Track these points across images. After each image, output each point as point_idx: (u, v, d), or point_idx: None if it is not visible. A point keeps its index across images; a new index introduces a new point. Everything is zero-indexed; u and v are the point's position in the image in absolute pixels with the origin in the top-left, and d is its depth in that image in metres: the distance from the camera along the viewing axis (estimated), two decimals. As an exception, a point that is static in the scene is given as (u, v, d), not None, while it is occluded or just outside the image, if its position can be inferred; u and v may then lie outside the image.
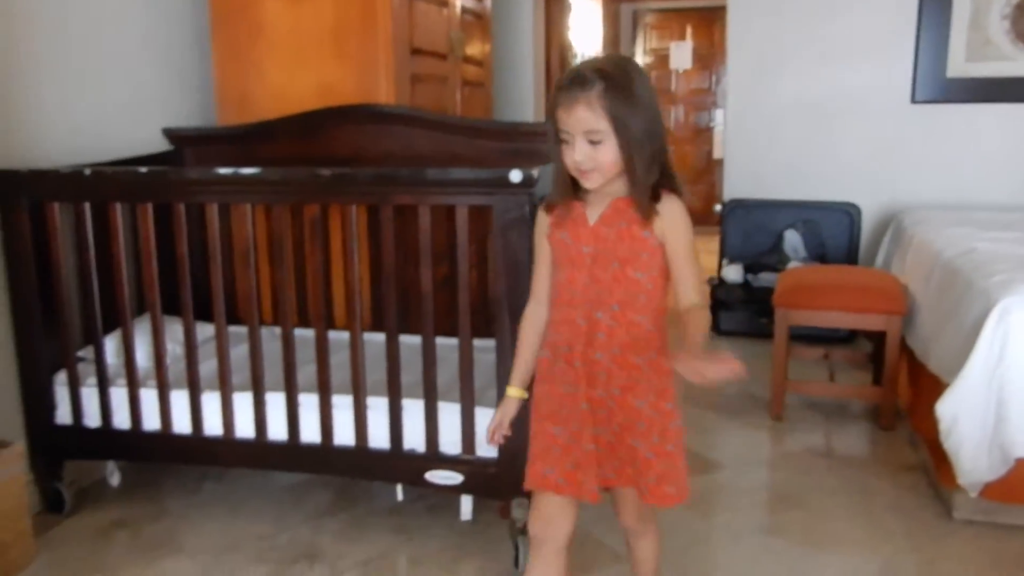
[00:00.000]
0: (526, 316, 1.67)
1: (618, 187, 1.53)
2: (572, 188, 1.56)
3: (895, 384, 3.06)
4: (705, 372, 1.34)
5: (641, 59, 7.98)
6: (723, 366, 1.34)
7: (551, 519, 1.60)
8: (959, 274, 2.62)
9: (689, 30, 7.87)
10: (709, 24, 7.56)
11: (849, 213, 4.08)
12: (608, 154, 1.46)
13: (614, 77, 1.44)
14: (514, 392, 1.67)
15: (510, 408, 1.68)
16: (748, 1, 4.25)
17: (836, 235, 4.09)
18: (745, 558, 2.23)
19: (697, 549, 2.27)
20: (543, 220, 1.62)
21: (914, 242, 3.35)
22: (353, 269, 2.17)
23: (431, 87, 3.34)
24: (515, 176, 1.97)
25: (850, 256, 4.09)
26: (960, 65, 4.01)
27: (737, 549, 2.27)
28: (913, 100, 4.09)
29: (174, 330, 2.44)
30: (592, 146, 1.46)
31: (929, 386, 2.59)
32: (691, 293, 1.51)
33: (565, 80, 1.48)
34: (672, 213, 1.50)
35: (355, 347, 2.19)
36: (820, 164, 4.24)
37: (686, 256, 1.51)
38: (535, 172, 1.98)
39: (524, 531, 2.11)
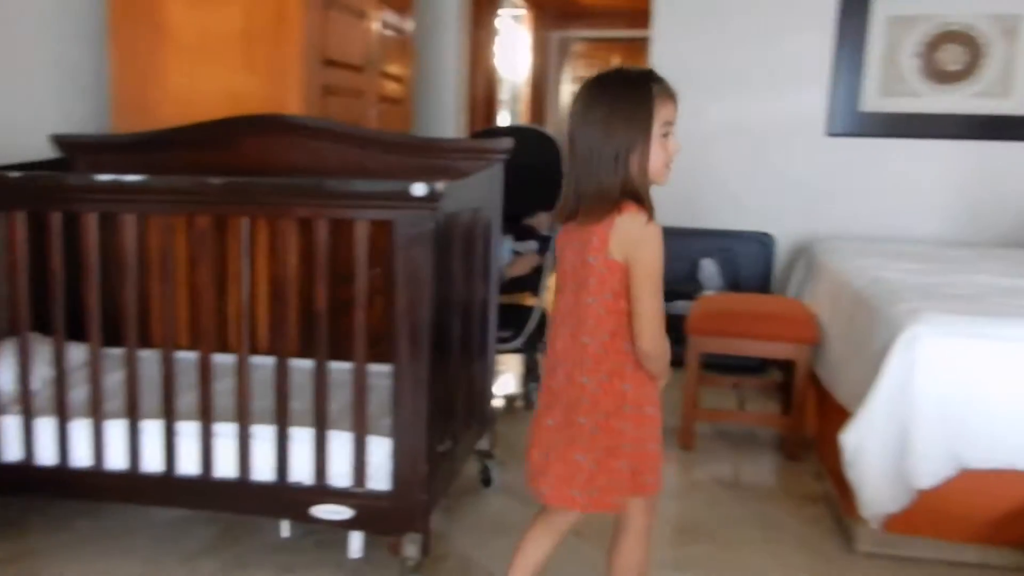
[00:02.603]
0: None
1: None
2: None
3: (803, 414, 3.05)
4: None
5: (568, 87, 8.02)
6: None
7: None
8: (866, 303, 2.63)
9: (616, 60, 7.95)
10: (636, 53, 7.63)
11: (764, 242, 4.12)
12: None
13: None
14: None
15: None
16: (670, 33, 4.28)
17: (751, 264, 4.12)
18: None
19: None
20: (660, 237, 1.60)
21: (825, 272, 3.37)
22: (243, 287, 2.04)
23: (345, 100, 3.23)
24: (418, 189, 1.87)
25: (764, 285, 4.11)
26: (873, 100, 4.10)
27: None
28: (828, 133, 4.16)
29: (48, 352, 2.26)
30: (668, 139, 1.58)
31: (836, 416, 2.58)
32: None
33: (658, 76, 1.58)
34: None
35: (242, 370, 2.05)
36: (736, 194, 4.27)
37: None
38: (440, 186, 1.88)
39: (416, 569, 2.00)
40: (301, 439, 2.05)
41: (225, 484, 2.08)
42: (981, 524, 2.28)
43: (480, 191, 2.47)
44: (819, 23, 4.10)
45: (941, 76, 4.02)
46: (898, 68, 4.05)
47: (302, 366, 2.24)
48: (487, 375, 2.61)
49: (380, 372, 2.30)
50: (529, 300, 3.59)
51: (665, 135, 1.56)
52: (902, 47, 4.03)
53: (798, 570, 2.28)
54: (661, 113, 1.54)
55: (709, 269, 4.09)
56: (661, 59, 4.27)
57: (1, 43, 2.58)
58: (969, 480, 2.21)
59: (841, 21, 4.06)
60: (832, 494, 2.67)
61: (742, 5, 4.18)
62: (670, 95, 1.57)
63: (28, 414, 2.13)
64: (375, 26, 3.44)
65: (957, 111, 4.02)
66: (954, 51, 3.99)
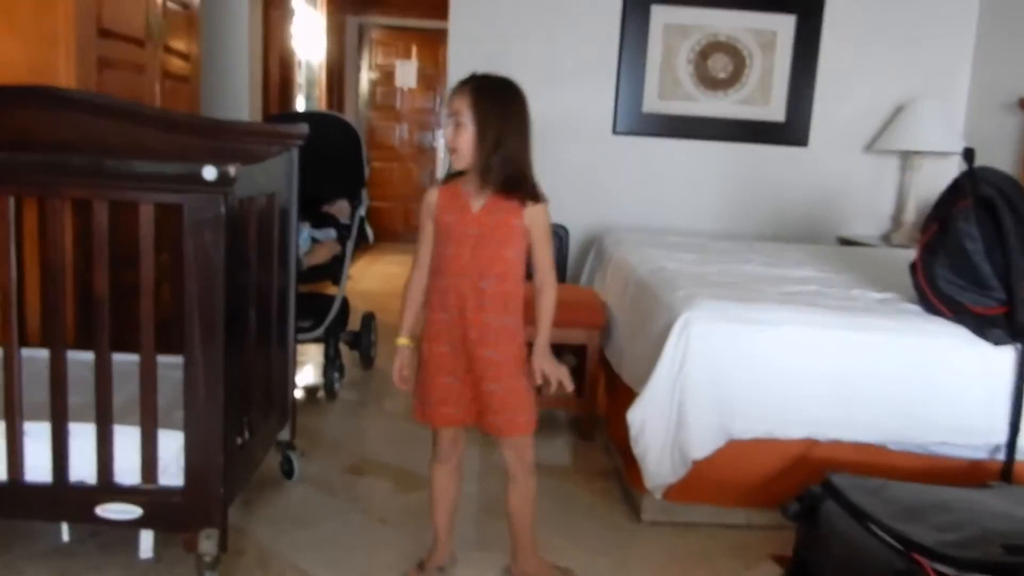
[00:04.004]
0: (413, 280, 2.02)
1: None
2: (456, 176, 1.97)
3: (595, 395, 3.23)
4: (549, 375, 2.05)
5: (367, 74, 7.92)
6: (560, 373, 2.06)
7: (455, 443, 2.14)
8: (648, 290, 2.84)
9: (415, 49, 7.96)
10: (434, 44, 7.70)
11: (558, 234, 4.30)
12: (465, 139, 1.90)
13: (490, 87, 1.95)
14: (406, 341, 2.03)
15: (406, 355, 2.04)
16: (468, 25, 4.35)
17: (545, 254, 4.30)
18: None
19: (403, 569, 2.21)
20: (432, 201, 1.98)
21: (613, 261, 3.59)
22: (8, 272, 1.86)
23: (123, 75, 3.01)
24: (209, 173, 1.79)
25: (559, 275, 4.28)
26: (654, 102, 4.41)
27: (444, 565, 2.24)
28: (614, 131, 4.42)
29: None
30: (455, 128, 1.90)
31: (623, 396, 2.76)
32: (545, 272, 2.06)
33: (471, 78, 1.95)
34: (536, 211, 2.00)
35: (10, 363, 1.87)
36: (532, 186, 4.43)
37: (544, 243, 2.03)
38: (233, 170, 1.81)
39: (213, 566, 1.92)
40: (82, 435, 1.90)
41: (-9, 489, 1.89)
42: (746, 488, 2.54)
43: (275, 176, 2.40)
44: (605, 26, 4.34)
45: (711, 83, 4.40)
46: (675, 73, 4.38)
47: (81, 358, 2.07)
48: (287, 365, 2.54)
49: (170, 363, 2.18)
50: (330, 288, 3.53)
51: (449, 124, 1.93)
52: (678, 54, 4.36)
53: (588, 540, 2.43)
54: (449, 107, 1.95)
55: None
56: (458, 52, 4.34)
57: None
58: (736, 449, 2.45)
59: (624, 26, 4.33)
60: (620, 469, 2.86)
61: (534, 2, 4.33)
62: (453, 92, 1.95)
63: None
64: (158, -3, 3.23)
65: (725, 115, 4.42)
66: (722, 60, 4.38)
